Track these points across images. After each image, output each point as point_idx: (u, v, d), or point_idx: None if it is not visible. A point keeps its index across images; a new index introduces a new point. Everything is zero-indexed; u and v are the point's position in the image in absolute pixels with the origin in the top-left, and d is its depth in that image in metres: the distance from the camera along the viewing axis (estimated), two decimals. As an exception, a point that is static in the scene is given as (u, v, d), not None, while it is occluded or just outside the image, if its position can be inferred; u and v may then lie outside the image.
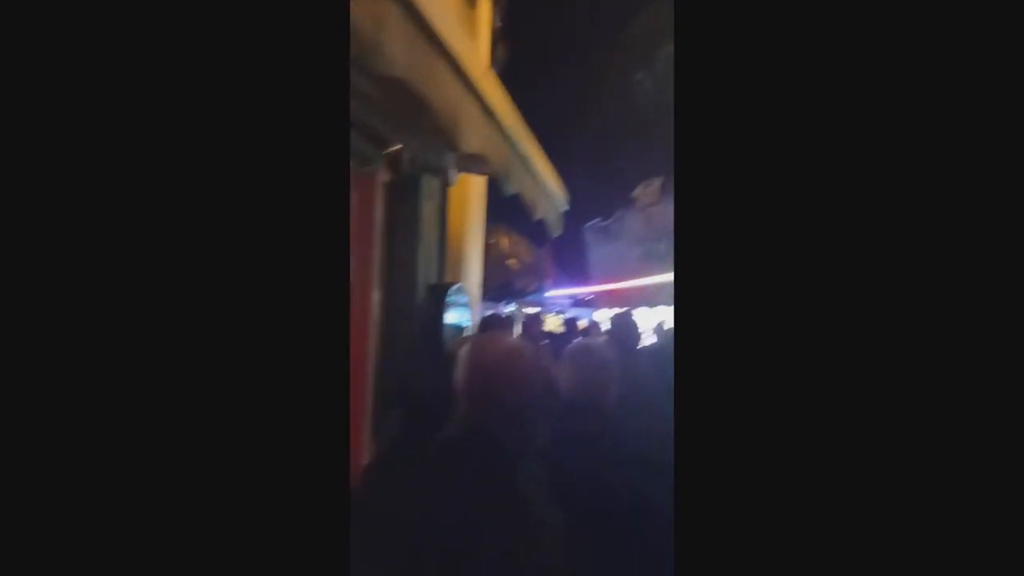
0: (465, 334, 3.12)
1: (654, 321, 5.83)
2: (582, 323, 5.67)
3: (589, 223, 13.24)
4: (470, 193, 3.74)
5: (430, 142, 2.74)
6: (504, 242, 9.11)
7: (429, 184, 3.04)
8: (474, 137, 1.50)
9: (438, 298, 3.08)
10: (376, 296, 2.90)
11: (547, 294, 10.94)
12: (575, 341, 1.73)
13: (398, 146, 2.68)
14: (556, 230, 3.08)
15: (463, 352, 1.19)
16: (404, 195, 2.93)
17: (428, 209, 3.05)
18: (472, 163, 2.73)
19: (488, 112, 1.59)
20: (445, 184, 3.10)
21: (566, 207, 3.23)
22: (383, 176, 2.87)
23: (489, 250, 5.20)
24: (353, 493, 1.38)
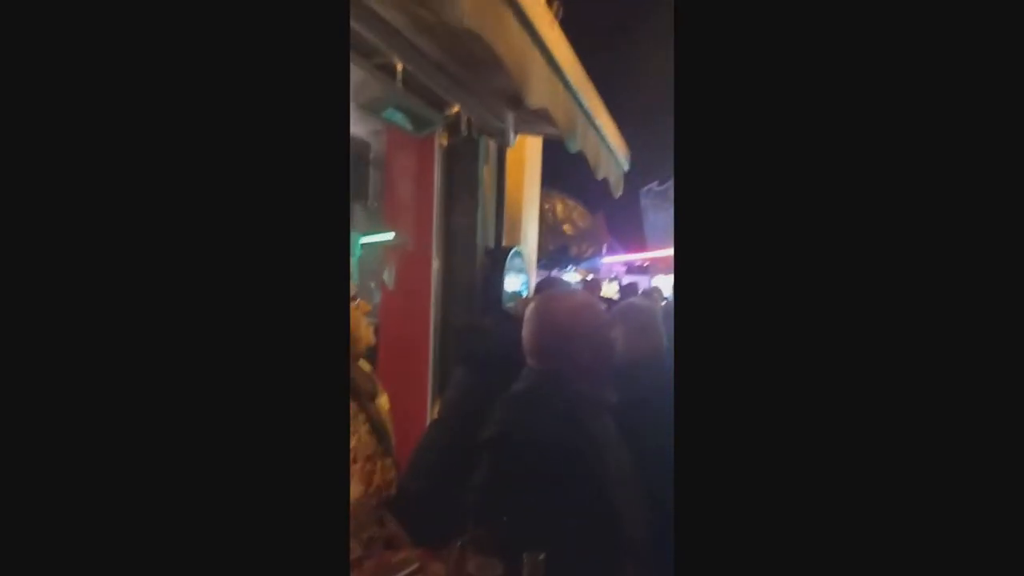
0: (522, 297, 3.14)
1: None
2: (641, 289, 5.57)
3: (645, 187, 12.84)
4: (526, 156, 3.69)
5: (489, 103, 2.70)
6: (559, 207, 8.99)
7: (487, 147, 3.03)
8: (540, 91, 1.46)
9: (497, 263, 3.10)
10: (435, 262, 2.95)
11: (602, 260, 10.77)
12: (623, 301, 1.70)
13: (455, 108, 2.67)
14: (617, 191, 3.01)
15: (534, 309, 1.19)
16: (462, 159, 2.93)
17: (486, 172, 3.04)
18: (537, 120, 2.68)
19: (554, 65, 1.54)
20: (503, 146, 3.07)
21: (627, 166, 3.14)
22: (441, 140, 2.87)
23: (544, 215, 5.15)
24: (420, 447, 1.44)
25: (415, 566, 0.89)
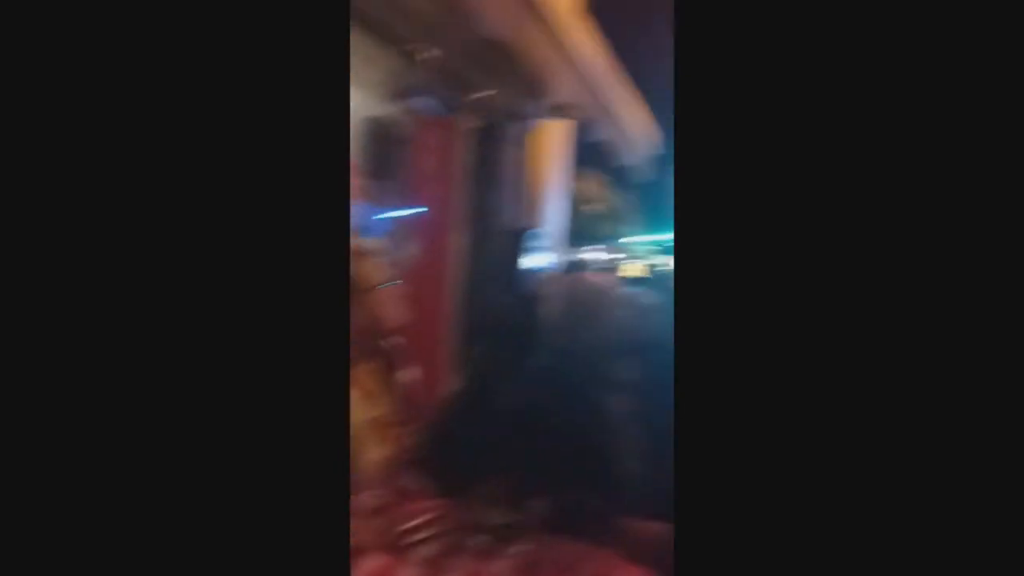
0: (542, 276, 3.20)
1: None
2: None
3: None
4: (553, 138, 3.71)
5: (515, 89, 2.73)
6: (591, 187, 8.93)
7: (511, 130, 3.05)
8: (564, 87, 1.51)
9: (515, 242, 3.16)
10: (454, 238, 3.01)
11: (630, 239, 10.65)
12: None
13: (488, 92, 2.70)
14: (644, 174, 3.02)
15: (553, 289, 1.28)
16: (486, 141, 2.97)
17: (508, 154, 3.07)
18: (559, 111, 2.70)
19: (579, 61, 1.56)
20: (525, 132, 3.09)
21: (660, 151, 3.14)
22: (465, 122, 2.91)
23: (576, 195, 5.13)
24: (440, 418, 1.54)
25: (430, 517, 0.98)
